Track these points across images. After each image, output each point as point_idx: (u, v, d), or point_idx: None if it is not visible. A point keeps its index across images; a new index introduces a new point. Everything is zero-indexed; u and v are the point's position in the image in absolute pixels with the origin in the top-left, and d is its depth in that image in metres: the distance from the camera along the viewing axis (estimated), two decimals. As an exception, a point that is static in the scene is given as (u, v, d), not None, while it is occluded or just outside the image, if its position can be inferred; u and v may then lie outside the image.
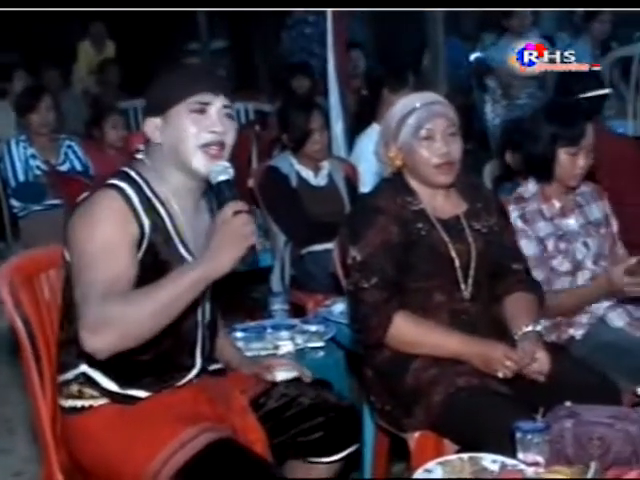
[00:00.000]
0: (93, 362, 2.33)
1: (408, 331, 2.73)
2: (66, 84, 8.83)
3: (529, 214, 3.26)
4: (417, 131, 2.78)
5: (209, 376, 2.56)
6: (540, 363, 2.66)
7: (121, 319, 2.12)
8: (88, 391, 2.39)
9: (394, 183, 2.88)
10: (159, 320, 2.16)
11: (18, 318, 2.51)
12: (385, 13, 9.15)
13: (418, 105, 2.81)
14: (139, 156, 2.46)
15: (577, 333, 3.18)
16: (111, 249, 2.23)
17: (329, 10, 5.07)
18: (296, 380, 2.68)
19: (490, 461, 2.24)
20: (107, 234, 2.24)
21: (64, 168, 5.43)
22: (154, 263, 2.33)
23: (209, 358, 2.58)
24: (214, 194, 2.38)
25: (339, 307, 3.58)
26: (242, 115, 7.86)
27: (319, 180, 4.58)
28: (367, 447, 3.18)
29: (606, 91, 4.27)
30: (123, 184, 2.33)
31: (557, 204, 3.31)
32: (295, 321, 3.49)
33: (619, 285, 3.04)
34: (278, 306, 3.62)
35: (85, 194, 2.37)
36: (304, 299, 4.06)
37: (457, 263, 2.79)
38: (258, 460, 2.34)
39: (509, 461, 2.22)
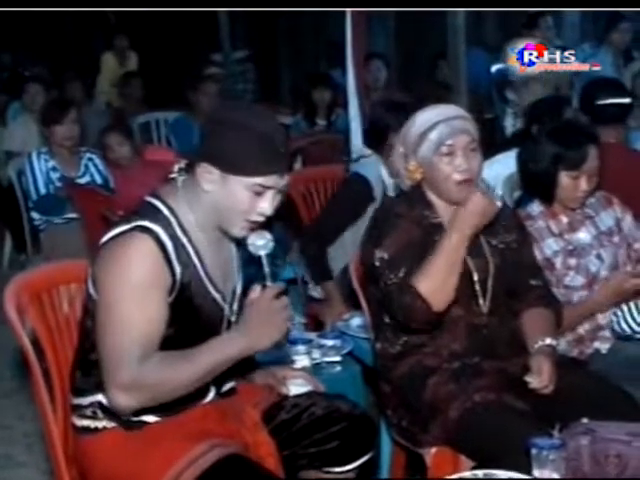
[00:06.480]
0: None
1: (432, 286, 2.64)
2: (89, 97, 8.85)
3: (537, 232, 3.20)
4: (438, 147, 2.74)
5: (222, 398, 2.53)
6: (542, 377, 2.63)
7: (158, 384, 2.23)
8: (101, 414, 2.38)
9: (412, 196, 2.86)
10: (193, 386, 2.29)
11: (26, 338, 2.49)
12: (407, 24, 9.15)
13: (439, 120, 2.75)
14: (173, 175, 2.39)
15: (603, 347, 3.16)
16: (147, 303, 2.24)
17: (348, 17, 5.02)
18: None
19: (505, 478, 2.22)
20: (143, 288, 2.23)
21: (83, 181, 5.40)
22: (187, 307, 2.33)
23: (223, 381, 2.55)
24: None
25: (357, 321, 3.57)
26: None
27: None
28: (384, 462, 3.16)
29: (628, 100, 4.21)
30: (156, 227, 2.27)
31: (564, 219, 3.25)
32: (312, 335, 3.46)
33: (626, 286, 3.08)
34: (295, 320, 3.59)
35: (115, 231, 2.28)
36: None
37: (475, 277, 2.77)
38: (269, 475, 2.34)
39: (525, 478, 2.20)
